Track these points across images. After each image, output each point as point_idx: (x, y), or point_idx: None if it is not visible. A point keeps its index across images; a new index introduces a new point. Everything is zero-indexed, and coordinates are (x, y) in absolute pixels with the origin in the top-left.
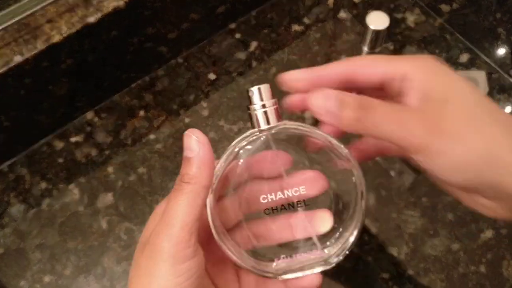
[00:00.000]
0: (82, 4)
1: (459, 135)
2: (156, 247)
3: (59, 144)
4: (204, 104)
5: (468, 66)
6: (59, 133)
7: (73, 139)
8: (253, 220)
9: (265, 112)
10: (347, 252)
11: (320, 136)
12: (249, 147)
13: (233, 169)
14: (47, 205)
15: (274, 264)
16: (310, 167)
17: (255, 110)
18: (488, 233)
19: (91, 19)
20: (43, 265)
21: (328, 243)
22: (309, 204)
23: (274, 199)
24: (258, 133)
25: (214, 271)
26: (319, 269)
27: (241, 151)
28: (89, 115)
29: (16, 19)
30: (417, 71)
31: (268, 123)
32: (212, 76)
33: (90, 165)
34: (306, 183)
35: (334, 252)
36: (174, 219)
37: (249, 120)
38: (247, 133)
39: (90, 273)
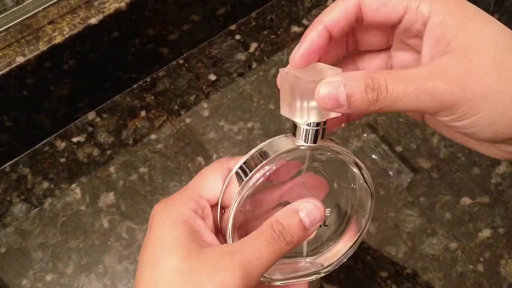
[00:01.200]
0: (83, 6)
1: (490, 91)
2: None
3: (61, 144)
4: (205, 104)
5: None
6: (61, 133)
7: (75, 139)
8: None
9: (316, 131)
10: (338, 265)
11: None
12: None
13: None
14: (49, 205)
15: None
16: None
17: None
18: (486, 232)
19: (93, 20)
20: (45, 264)
21: (319, 253)
22: None
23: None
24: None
25: None
26: (312, 278)
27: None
28: (91, 115)
29: (18, 20)
30: (442, 11)
31: (315, 141)
32: (212, 77)
33: (92, 165)
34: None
35: (324, 264)
36: (253, 265)
37: (293, 129)
38: (292, 147)
39: (92, 272)
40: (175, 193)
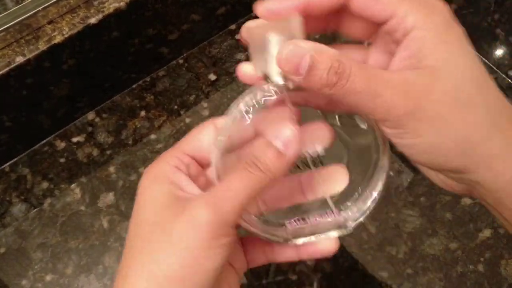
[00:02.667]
0: (83, 5)
1: (440, 119)
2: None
3: (60, 144)
4: (205, 104)
5: None
6: (61, 133)
7: (74, 139)
8: None
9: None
10: (365, 217)
11: None
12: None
13: (240, 127)
14: (49, 205)
15: (285, 228)
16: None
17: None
18: (486, 233)
19: (92, 20)
20: (45, 264)
21: (345, 205)
22: (324, 162)
23: None
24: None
25: None
26: (334, 233)
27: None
28: (91, 115)
29: (18, 20)
30: (426, 27)
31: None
32: (212, 77)
33: (92, 165)
34: (316, 137)
35: (351, 215)
36: (227, 200)
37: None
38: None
39: (91, 272)
40: (164, 152)
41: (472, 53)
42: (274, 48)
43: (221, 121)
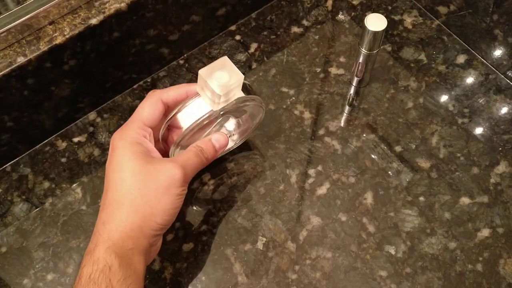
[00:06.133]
0: (84, 6)
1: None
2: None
3: (62, 144)
4: None
5: (465, 67)
6: (62, 133)
7: (75, 139)
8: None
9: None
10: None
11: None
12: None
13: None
14: (50, 204)
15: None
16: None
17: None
18: (485, 232)
19: (93, 21)
20: (46, 263)
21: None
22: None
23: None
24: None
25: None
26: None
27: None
28: (92, 115)
29: (19, 20)
30: None
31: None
32: None
33: (93, 164)
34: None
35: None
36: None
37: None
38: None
39: None
40: (126, 124)
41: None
42: (213, 83)
43: (165, 95)
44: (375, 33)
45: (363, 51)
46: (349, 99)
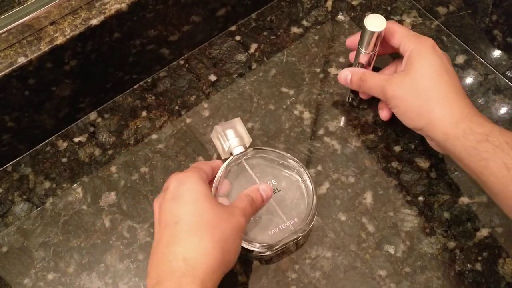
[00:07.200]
0: (85, 6)
1: (405, 98)
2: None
3: (62, 144)
4: (205, 104)
5: (464, 67)
6: (63, 133)
7: (76, 139)
8: None
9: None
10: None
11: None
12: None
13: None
14: (51, 204)
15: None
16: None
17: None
18: (484, 232)
19: (94, 21)
20: (47, 263)
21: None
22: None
23: None
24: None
25: None
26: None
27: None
28: (92, 115)
29: (20, 21)
30: (414, 53)
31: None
32: (212, 78)
33: (93, 164)
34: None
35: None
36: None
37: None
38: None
39: (93, 270)
40: (187, 171)
41: (438, 62)
42: (230, 134)
43: (207, 168)
44: (375, 34)
45: (363, 51)
46: (348, 99)
